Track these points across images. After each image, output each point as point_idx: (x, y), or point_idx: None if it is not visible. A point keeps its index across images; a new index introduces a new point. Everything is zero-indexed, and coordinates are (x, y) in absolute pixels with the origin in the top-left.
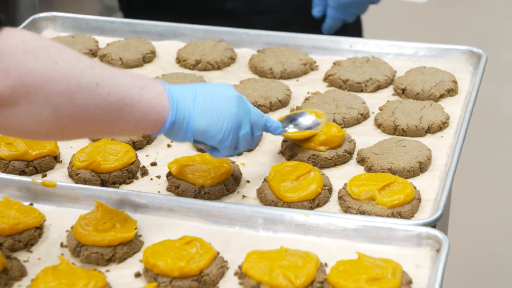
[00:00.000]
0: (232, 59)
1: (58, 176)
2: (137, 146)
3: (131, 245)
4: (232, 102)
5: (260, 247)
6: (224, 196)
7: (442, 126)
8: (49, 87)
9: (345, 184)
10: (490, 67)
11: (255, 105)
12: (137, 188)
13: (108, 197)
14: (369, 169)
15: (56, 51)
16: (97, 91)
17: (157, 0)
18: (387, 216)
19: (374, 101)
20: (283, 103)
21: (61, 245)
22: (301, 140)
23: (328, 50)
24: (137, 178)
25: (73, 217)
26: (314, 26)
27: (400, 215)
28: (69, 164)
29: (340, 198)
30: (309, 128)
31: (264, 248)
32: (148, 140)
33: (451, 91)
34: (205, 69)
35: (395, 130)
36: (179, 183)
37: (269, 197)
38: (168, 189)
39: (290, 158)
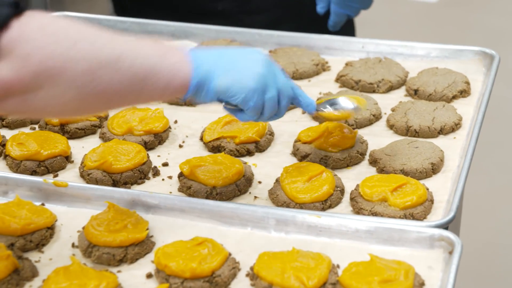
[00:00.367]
0: None
1: (70, 176)
2: (148, 146)
3: (143, 246)
4: (258, 64)
5: (272, 248)
6: (236, 197)
7: (455, 127)
8: (70, 68)
9: (357, 185)
10: (502, 68)
11: None
12: (149, 188)
13: (119, 198)
14: (381, 170)
15: (74, 30)
16: (118, 65)
17: (150, 1)
18: (400, 217)
19: (386, 102)
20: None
21: (73, 245)
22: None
23: (340, 51)
24: (148, 179)
25: (85, 217)
26: (306, 24)
27: (413, 217)
28: (81, 164)
29: (352, 199)
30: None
31: (276, 249)
32: (159, 140)
33: (464, 92)
34: None
35: (408, 131)
36: (190, 184)
37: (281, 198)
38: (180, 190)
39: (302, 159)
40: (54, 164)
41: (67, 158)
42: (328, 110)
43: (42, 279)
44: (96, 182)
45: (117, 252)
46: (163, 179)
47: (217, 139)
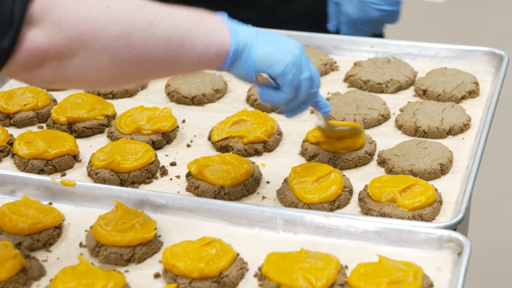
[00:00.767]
0: None
1: (77, 176)
2: (156, 145)
3: (151, 246)
4: (294, 45)
5: (280, 248)
6: (244, 197)
7: (464, 128)
8: (104, 32)
9: (366, 186)
10: (511, 69)
11: (274, 106)
12: (157, 188)
13: (127, 197)
14: (389, 171)
15: None
16: (152, 30)
17: None
18: (408, 218)
19: (395, 102)
20: None
21: (80, 245)
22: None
23: (348, 51)
24: (156, 178)
25: (92, 216)
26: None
27: (421, 218)
28: (88, 163)
29: (360, 200)
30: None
31: (284, 249)
32: (167, 140)
33: (473, 93)
34: None
35: (416, 132)
36: (198, 184)
37: (289, 198)
38: (188, 190)
39: (310, 159)
40: (61, 163)
41: (75, 157)
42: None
43: (50, 279)
44: (104, 181)
45: (125, 251)
46: (171, 179)
47: (225, 138)
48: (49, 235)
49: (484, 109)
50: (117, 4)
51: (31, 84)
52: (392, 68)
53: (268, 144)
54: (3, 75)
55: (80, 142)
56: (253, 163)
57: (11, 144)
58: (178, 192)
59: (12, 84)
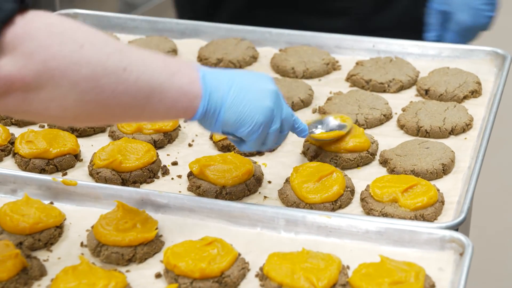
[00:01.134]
0: (254, 58)
1: (79, 175)
2: (158, 145)
3: (152, 246)
4: (267, 96)
5: (282, 248)
6: (246, 197)
7: (466, 127)
8: (74, 71)
9: (368, 186)
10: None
11: None
12: (158, 187)
13: (128, 197)
14: (391, 171)
15: (82, 34)
16: (124, 76)
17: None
18: (410, 218)
19: (397, 101)
20: (305, 103)
21: (81, 244)
22: (328, 143)
23: (350, 50)
24: (158, 178)
25: (94, 216)
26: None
27: (423, 218)
28: (90, 163)
29: (362, 200)
30: (336, 129)
31: (285, 249)
32: (169, 139)
33: (475, 93)
34: (227, 68)
35: (418, 132)
36: (200, 183)
37: (291, 198)
38: (189, 189)
39: (312, 159)
40: (63, 163)
41: (76, 157)
42: (319, 131)
43: (51, 278)
44: (105, 181)
45: (126, 251)
46: (172, 178)
47: (227, 138)
48: (50, 234)
49: (486, 109)
50: (92, 45)
51: None
52: (394, 68)
53: None
54: None
55: (82, 141)
56: (255, 162)
57: (12, 143)
58: (180, 191)
59: None
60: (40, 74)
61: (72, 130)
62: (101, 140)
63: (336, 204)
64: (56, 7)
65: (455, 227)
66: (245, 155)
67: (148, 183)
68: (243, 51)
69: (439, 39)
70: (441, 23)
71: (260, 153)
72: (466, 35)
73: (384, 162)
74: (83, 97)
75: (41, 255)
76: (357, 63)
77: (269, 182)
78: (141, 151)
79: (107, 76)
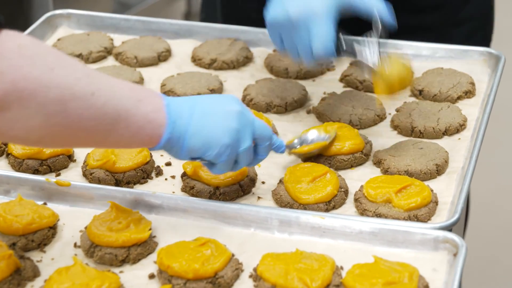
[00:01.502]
0: (248, 59)
1: (72, 175)
2: None
3: (145, 246)
4: (232, 118)
5: (276, 249)
6: (239, 197)
7: (460, 128)
8: (42, 93)
9: (361, 186)
10: (508, 69)
11: (270, 106)
12: (152, 188)
13: (122, 197)
14: (385, 171)
15: (53, 57)
16: (92, 100)
17: None
18: (404, 219)
19: (391, 102)
20: (299, 104)
21: (75, 245)
22: (312, 156)
23: None
24: (151, 178)
25: (87, 217)
26: None
27: (417, 218)
28: (83, 163)
29: (356, 200)
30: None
31: (279, 250)
32: None
33: (469, 93)
34: (220, 69)
35: (412, 132)
36: (194, 184)
37: (284, 198)
38: (183, 190)
39: (306, 159)
40: (56, 163)
41: (70, 157)
42: (299, 147)
43: (44, 279)
44: (99, 181)
45: (120, 252)
46: (166, 179)
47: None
48: (43, 235)
49: (480, 109)
50: (62, 69)
51: None
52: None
53: None
54: None
55: None
56: None
57: (5, 144)
58: (173, 192)
59: None
60: (8, 93)
61: None
62: None
63: (330, 204)
64: (50, 7)
65: (449, 228)
66: None
67: (141, 183)
68: (237, 52)
69: None
70: None
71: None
72: None
73: (378, 163)
74: (49, 120)
75: (35, 256)
76: (351, 64)
77: (263, 182)
78: (135, 151)
79: (75, 100)
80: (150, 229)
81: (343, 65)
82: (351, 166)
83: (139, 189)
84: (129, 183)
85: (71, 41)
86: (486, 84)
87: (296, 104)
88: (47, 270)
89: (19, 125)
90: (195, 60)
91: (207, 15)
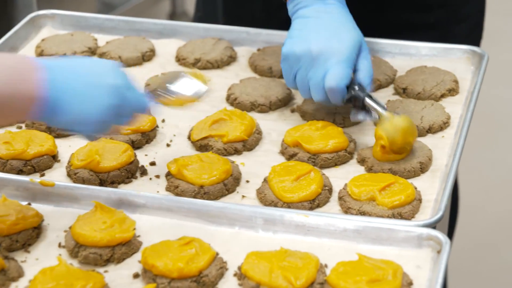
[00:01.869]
0: (232, 58)
1: (57, 176)
2: (136, 145)
3: (130, 246)
4: (107, 93)
5: (260, 247)
6: (224, 196)
7: (443, 126)
8: None
9: (346, 185)
10: (491, 67)
11: (254, 105)
12: (136, 188)
13: (106, 197)
14: (369, 169)
15: None
16: None
17: None
18: (388, 217)
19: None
20: (283, 102)
21: (59, 245)
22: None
23: None
24: (136, 178)
25: (72, 217)
26: None
27: (401, 216)
28: (68, 164)
29: (340, 198)
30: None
31: (263, 249)
32: (147, 139)
33: (452, 91)
34: (204, 68)
35: None
36: (178, 183)
37: (268, 197)
38: (167, 189)
39: (290, 158)
40: (40, 163)
41: (54, 157)
42: (167, 95)
43: (28, 279)
44: (83, 181)
45: (104, 252)
46: (150, 179)
47: (205, 138)
48: (28, 235)
49: (463, 107)
50: None
51: None
52: (372, 67)
53: (247, 143)
54: None
55: (59, 142)
56: (233, 162)
57: None
58: (158, 191)
59: None
60: None
61: (50, 131)
62: (79, 141)
63: (314, 203)
64: (34, 7)
65: (433, 225)
66: (223, 154)
67: (126, 183)
68: (221, 51)
69: None
70: None
71: (238, 153)
72: None
73: (362, 161)
74: None
75: (19, 256)
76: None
77: (247, 181)
78: (119, 151)
79: None
80: (134, 229)
81: None
82: (335, 165)
83: (123, 188)
84: (114, 183)
85: (55, 42)
86: (470, 81)
87: (280, 103)
88: (32, 270)
89: None
90: (179, 59)
91: (205, 14)
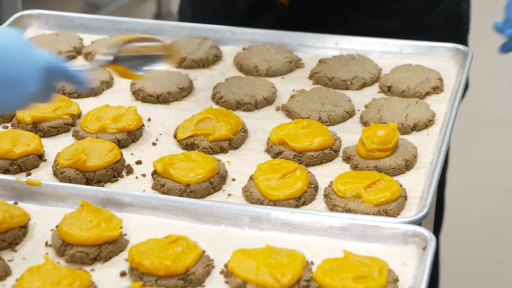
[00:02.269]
0: (217, 57)
1: (43, 175)
2: (122, 144)
3: (116, 244)
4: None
5: (246, 245)
6: (210, 195)
7: (428, 123)
8: None
9: (331, 182)
10: (475, 65)
11: (240, 103)
12: (122, 186)
13: (93, 196)
14: (355, 167)
15: None
16: None
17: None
18: (373, 214)
19: (360, 98)
20: (268, 101)
21: (46, 244)
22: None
23: (313, 48)
24: (122, 177)
25: (58, 216)
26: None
27: (386, 213)
28: (54, 163)
29: (326, 196)
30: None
31: (250, 246)
32: (133, 138)
33: (437, 89)
34: (190, 67)
35: None
36: (164, 182)
37: (254, 195)
38: (154, 188)
39: (276, 156)
40: (27, 163)
41: (40, 157)
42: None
43: (16, 278)
44: (69, 180)
45: (91, 250)
46: (136, 177)
47: (191, 136)
48: (14, 234)
49: (448, 105)
50: None
51: None
52: (357, 65)
53: (233, 142)
54: None
55: (45, 141)
56: (219, 160)
57: None
58: (144, 190)
59: None
60: None
61: (36, 131)
62: (65, 140)
63: (300, 200)
64: (19, 7)
65: (418, 222)
66: (209, 153)
67: (112, 182)
68: (206, 50)
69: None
70: None
71: (224, 151)
72: None
73: (347, 159)
74: None
75: (6, 255)
76: (320, 61)
77: (233, 179)
78: (105, 150)
79: None
80: (121, 227)
81: (312, 62)
82: (321, 163)
83: (109, 187)
84: (100, 181)
85: (41, 42)
86: (454, 79)
87: (265, 102)
88: (19, 269)
89: None
90: None
91: (182, 14)
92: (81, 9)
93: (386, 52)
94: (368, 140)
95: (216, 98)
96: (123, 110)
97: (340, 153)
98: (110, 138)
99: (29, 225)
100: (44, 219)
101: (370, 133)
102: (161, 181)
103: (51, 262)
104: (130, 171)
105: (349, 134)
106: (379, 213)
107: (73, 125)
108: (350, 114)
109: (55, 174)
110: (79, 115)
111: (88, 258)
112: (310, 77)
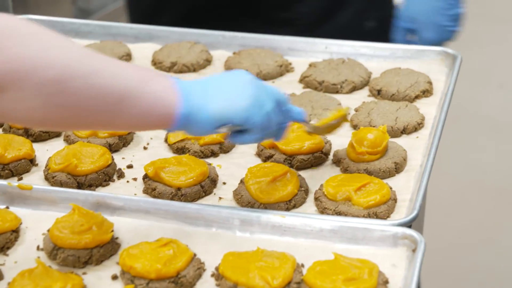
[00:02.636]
0: (208, 61)
1: (34, 179)
2: (113, 148)
3: (108, 248)
4: (246, 83)
5: (237, 248)
6: (201, 198)
7: (418, 127)
8: (38, 73)
9: (321, 185)
10: (464, 68)
11: None
12: (114, 190)
13: (84, 200)
14: (345, 170)
15: (47, 37)
16: (92, 80)
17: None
18: (363, 216)
19: (350, 102)
20: None
21: (38, 248)
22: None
23: (303, 52)
24: (113, 181)
25: (50, 220)
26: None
27: (376, 216)
28: (45, 167)
29: (316, 199)
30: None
31: (241, 249)
32: (124, 142)
33: (426, 92)
34: (181, 71)
35: None
36: (155, 185)
37: (245, 198)
38: (145, 191)
39: (266, 159)
40: (18, 167)
41: (32, 161)
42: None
43: (7, 282)
44: (61, 184)
45: (82, 254)
46: (128, 181)
47: (182, 140)
48: (6, 239)
49: (437, 108)
50: (58, 49)
51: None
52: (347, 69)
53: (224, 145)
54: None
55: (37, 146)
56: (210, 164)
57: None
58: (135, 194)
59: None
60: (2, 75)
61: (27, 135)
62: (56, 145)
63: (291, 203)
64: (10, 12)
65: (408, 224)
66: (200, 157)
67: (103, 186)
68: (197, 55)
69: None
70: (406, 41)
71: (215, 155)
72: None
73: (337, 162)
74: (49, 100)
75: None
76: (310, 65)
77: (224, 183)
78: (96, 154)
79: (74, 80)
80: (112, 231)
81: (302, 66)
82: (311, 166)
83: (101, 191)
84: (91, 186)
85: None
86: (443, 83)
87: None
88: (11, 273)
89: (19, 106)
90: (156, 63)
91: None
92: (71, 15)
93: (375, 56)
94: (358, 143)
95: None
96: None
97: (331, 157)
98: (101, 142)
99: (20, 229)
100: (36, 223)
101: (360, 136)
102: (152, 185)
103: (43, 266)
104: (121, 175)
105: (339, 138)
106: (369, 216)
107: (83, 130)
108: None
109: (46, 179)
110: None
111: (79, 262)
112: (300, 81)
